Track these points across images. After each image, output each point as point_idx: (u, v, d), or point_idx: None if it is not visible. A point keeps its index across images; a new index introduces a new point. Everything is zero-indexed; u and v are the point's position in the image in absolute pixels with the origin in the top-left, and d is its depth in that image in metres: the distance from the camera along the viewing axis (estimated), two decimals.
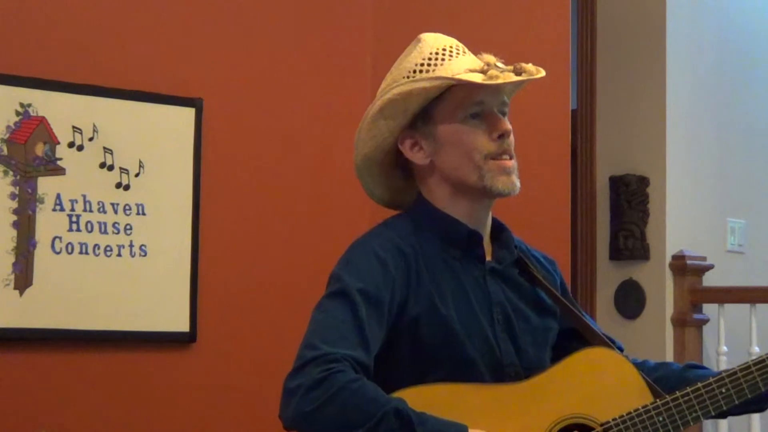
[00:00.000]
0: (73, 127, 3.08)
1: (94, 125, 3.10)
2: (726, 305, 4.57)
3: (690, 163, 4.86)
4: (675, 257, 4.71)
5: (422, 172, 2.10)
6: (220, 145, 3.29)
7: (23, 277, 2.98)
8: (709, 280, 4.76)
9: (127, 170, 3.14)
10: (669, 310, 4.70)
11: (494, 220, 2.14)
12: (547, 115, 3.67)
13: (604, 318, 4.79)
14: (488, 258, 2.10)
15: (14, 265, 2.98)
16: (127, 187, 3.13)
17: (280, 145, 3.40)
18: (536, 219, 3.59)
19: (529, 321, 2.10)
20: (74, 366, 3.06)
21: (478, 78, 2.01)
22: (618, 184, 4.83)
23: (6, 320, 2.95)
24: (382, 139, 2.07)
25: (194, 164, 3.23)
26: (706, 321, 4.69)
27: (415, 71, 2.05)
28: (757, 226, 5.09)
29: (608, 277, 4.88)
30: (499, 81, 2.01)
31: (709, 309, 4.68)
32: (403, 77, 2.05)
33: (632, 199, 4.78)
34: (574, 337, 2.14)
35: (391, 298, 1.96)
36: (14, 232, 2.98)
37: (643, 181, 4.78)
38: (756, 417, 4.37)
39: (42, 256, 3.01)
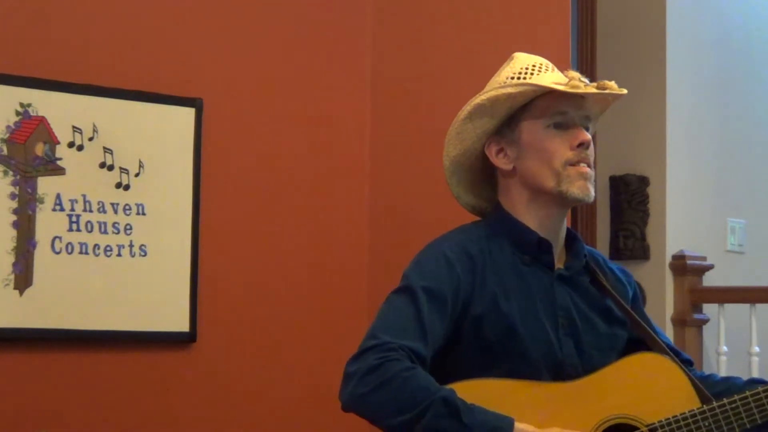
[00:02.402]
0: (73, 127, 3.08)
1: (94, 125, 3.10)
2: (726, 305, 4.56)
3: (690, 163, 4.85)
4: (675, 257, 4.71)
5: (504, 178, 2.20)
6: (220, 145, 3.29)
7: (23, 277, 2.98)
8: (709, 280, 4.75)
9: (127, 170, 3.14)
10: (669, 310, 4.69)
11: (569, 230, 2.24)
12: None
13: None
14: (560, 265, 2.19)
15: (14, 265, 2.98)
16: (127, 187, 3.13)
17: (280, 145, 3.40)
18: None
19: (595, 327, 2.17)
20: (74, 366, 3.06)
21: (560, 86, 2.11)
22: (618, 184, 4.83)
23: (6, 320, 2.95)
24: (470, 143, 2.18)
25: (194, 164, 3.23)
26: (706, 321, 4.68)
27: (506, 83, 2.16)
28: (757, 226, 5.09)
29: None
30: (580, 91, 2.12)
31: (709, 309, 4.67)
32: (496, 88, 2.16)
33: (632, 199, 4.77)
34: (642, 347, 2.20)
35: (454, 297, 2.05)
36: (14, 232, 2.98)
37: (643, 181, 4.78)
38: None
39: (42, 256, 3.01)
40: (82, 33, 3.13)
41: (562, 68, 2.20)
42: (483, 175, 2.23)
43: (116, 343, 3.10)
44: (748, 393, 2.06)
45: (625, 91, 2.18)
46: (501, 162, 2.17)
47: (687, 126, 4.83)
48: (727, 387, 2.17)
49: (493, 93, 2.13)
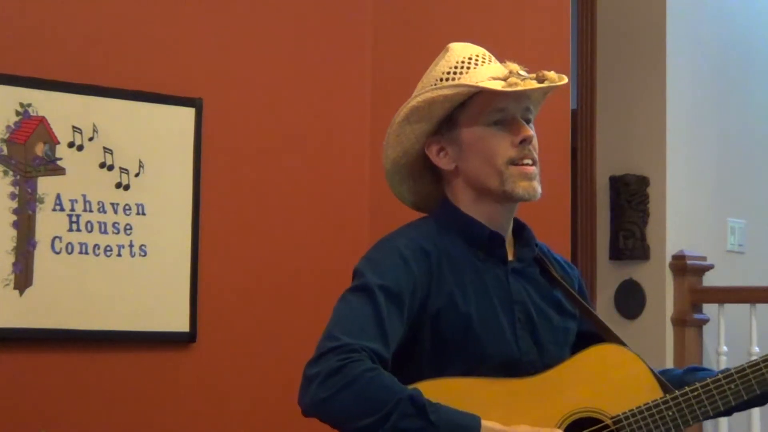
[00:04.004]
0: (73, 127, 3.08)
1: (94, 125, 3.10)
2: (726, 305, 4.57)
3: (690, 163, 4.86)
4: (675, 257, 4.71)
5: (448, 177, 2.16)
6: (220, 145, 3.29)
7: (23, 277, 2.98)
8: (709, 280, 4.76)
9: (127, 170, 3.14)
10: (669, 310, 4.70)
11: (515, 219, 2.20)
12: (547, 115, 3.64)
13: (604, 318, 4.75)
14: (511, 258, 2.16)
15: (14, 265, 2.98)
16: (127, 187, 3.13)
17: (280, 145, 3.40)
18: (536, 219, 3.58)
19: (550, 320, 2.15)
20: (74, 366, 3.06)
21: (497, 85, 2.06)
22: (618, 184, 4.84)
23: (6, 320, 2.95)
24: (409, 145, 2.14)
25: (194, 164, 3.23)
26: (706, 321, 4.69)
27: (441, 79, 2.12)
28: (757, 226, 5.10)
29: (608, 277, 4.88)
30: (518, 89, 2.06)
31: (709, 309, 4.68)
32: (431, 85, 2.12)
33: (632, 199, 4.78)
34: (592, 339, 2.18)
35: (411, 295, 2.01)
36: (14, 232, 2.98)
37: (643, 181, 4.78)
38: (756, 417, 4.37)
39: (42, 256, 3.00)
40: (82, 33, 3.13)
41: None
42: (425, 174, 2.18)
43: (116, 343, 3.10)
44: (709, 381, 2.05)
45: (565, 80, 2.11)
46: (442, 162, 2.13)
47: (687, 126, 4.84)
48: (667, 379, 2.13)
49: (428, 95, 2.09)
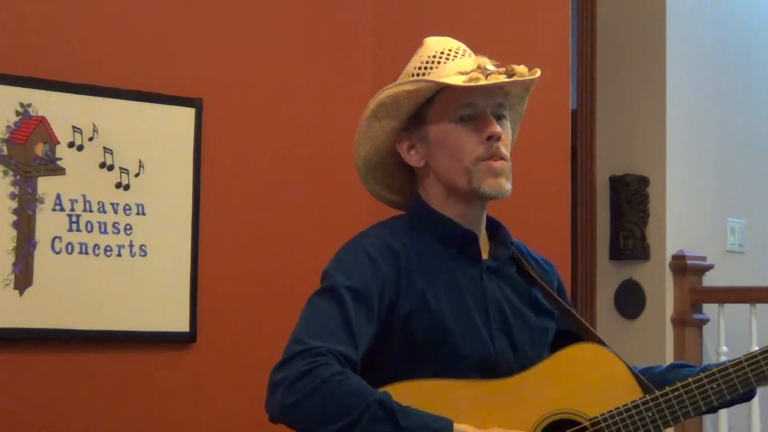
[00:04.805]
0: (73, 127, 3.08)
1: (94, 125, 3.10)
2: (726, 305, 4.57)
3: (690, 163, 4.86)
4: (675, 257, 4.72)
5: (420, 174, 2.12)
6: (220, 145, 3.28)
7: (23, 277, 2.98)
8: (709, 280, 4.76)
9: (127, 170, 3.14)
10: (669, 310, 4.70)
11: (490, 218, 2.15)
12: (547, 115, 3.67)
13: (604, 318, 4.80)
14: (485, 256, 2.11)
15: (14, 265, 2.97)
16: (127, 187, 3.13)
17: (280, 145, 3.40)
18: (536, 219, 3.59)
19: (526, 320, 2.10)
20: (74, 366, 3.06)
21: (458, 80, 2.01)
22: (618, 184, 4.84)
23: (6, 320, 2.95)
24: (380, 141, 2.10)
25: (194, 164, 3.23)
26: (706, 321, 4.69)
27: (413, 74, 2.08)
28: (757, 226, 5.10)
29: (608, 277, 4.89)
30: (479, 83, 2.00)
31: (709, 309, 4.68)
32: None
33: (632, 199, 4.78)
34: (571, 338, 2.13)
35: (380, 296, 1.97)
36: (14, 232, 2.98)
37: (643, 181, 4.79)
38: (756, 416, 4.37)
39: (42, 256, 3.00)
40: (82, 33, 3.13)
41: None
42: (401, 170, 2.15)
43: (116, 343, 3.10)
44: (691, 380, 2.00)
45: (538, 73, 2.04)
46: (413, 159, 2.08)
47: (687, 126, 4.84)
48: (648, 377, 2.08)
49: (392, 90, 2.04)
